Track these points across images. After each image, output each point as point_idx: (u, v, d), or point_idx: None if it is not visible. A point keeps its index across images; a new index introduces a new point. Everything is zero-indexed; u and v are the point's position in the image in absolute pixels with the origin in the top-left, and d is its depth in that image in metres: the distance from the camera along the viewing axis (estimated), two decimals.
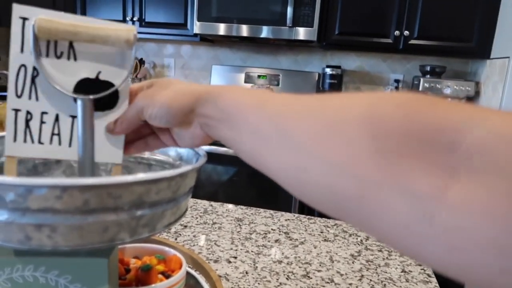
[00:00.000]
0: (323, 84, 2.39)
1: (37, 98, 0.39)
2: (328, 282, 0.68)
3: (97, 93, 0.39)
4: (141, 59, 2.82)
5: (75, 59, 0.39)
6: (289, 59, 2.72)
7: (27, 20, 0.37)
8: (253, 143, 0.30)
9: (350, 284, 0.68)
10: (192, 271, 0.54)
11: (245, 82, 2.70)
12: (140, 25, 2.59)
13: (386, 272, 0.72)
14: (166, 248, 0.52)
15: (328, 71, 2.35)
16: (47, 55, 0.38)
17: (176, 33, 2.56)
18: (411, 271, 0.73)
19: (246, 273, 0.69)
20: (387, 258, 0.78)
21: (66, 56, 0.39)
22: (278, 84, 2.66)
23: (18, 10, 0.37)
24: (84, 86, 0.40)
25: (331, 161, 0.24)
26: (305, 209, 2.20)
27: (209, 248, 0.76)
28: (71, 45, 0.39)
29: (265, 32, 2.31)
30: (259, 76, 2.69)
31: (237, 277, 0.67)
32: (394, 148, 0.21)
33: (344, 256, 0.77)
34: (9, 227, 0.30)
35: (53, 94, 0.39)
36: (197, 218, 0.90)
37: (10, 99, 0.38)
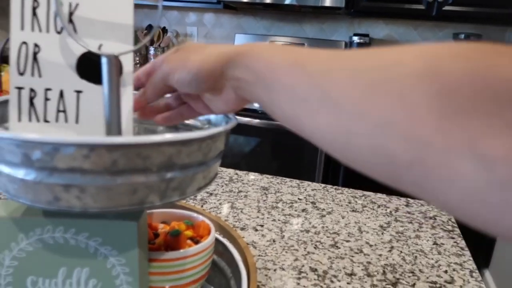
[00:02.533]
0: None
1: (40, 75, 0.37)
2: (357, 253, 0.66)
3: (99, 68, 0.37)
4: (164, 27, 2.78)
5: (75, 33, 0.37)
6: (314, 28, 2.64)
7: None
8: (290, 105, 0.28)
9: (380, 255, 0.66)
10: (221, 238, 0.53)
11: None
12: None
13: (417, 244, 0.70)
14: (195, 214, 0.51)
15: (356, 39, 2.26)
16: (47, 31, 0.36)
17: (199, 0, 2.50)
18: (443, 244, 0.71)
19: (273, 241, 0.68)
20: (417, 230, 0.76)
21: (66, 31, 0.37)
22: None
23: None
24: (86, 61, 0.38)
25: (382, 122, 0.21)
26: (329, 180, 2.18)
27: (235, 216, 0.76)
28: (70, 20, 0.37)
29: None
30: None
31: (264, 245, 0.66)
32: (461, 108, 0.19)
33: (373, 227, 0.75)
34: (37, 187, 0.29)
35: (56, 69, 0.37)
36: (222, 186, 0.89)
37: (13, 77, 0.37)
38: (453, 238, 0.73)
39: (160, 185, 0.32)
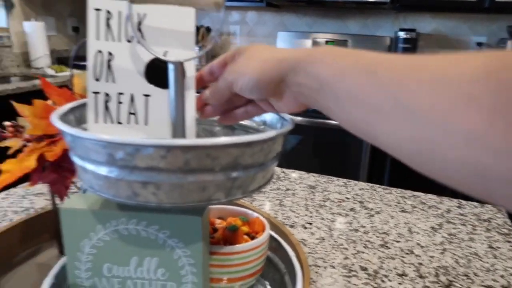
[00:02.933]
0: (395, 49, 2.26)
1: (113, 80, 0.40)
2: (407, 253, 0.66)
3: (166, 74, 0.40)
4: (208, 27, 2.84)
5: (144, 40, 0.40)
6: (358, 23, 2.59)
7: (100, 11, 0.39)
8: (361, 114, 0.27)
9: (432, 256, 0.65)
10: (274, 234, 0.55)
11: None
12: None
13: (471, 247, 0.69)
14: (249, 211, 0.53)
15: (402, 34, 2.20)
16: (119, 40, 0.40)
17: None
18: (499, 247, 0.69)
19: (323, 239, 0.69)
20: (471, 232, 0.74)
21: (135, 40, 0.40)
22: None
23: (92, 2, 0.39)
24: (153, 67, 0.42)
25: (472, 135, 0.20)
26: (374, 179, 2.15)
27: (284, 214, 0.77)
28: (139, 29, 0.40)
29: None
30: (326, 42, 2.60)
31: (313, 243, 0.68)
32: None
33: (424, 228, 0.74)
34: (118, 184, 0.33)
35: (127, 75, 0.41)
36: (270, 184, 0.91)
37: (90, 83, 0.40)
38: (509, 241, 0.71)
39: (226, 184, 0.34)
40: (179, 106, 0.42)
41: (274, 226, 0.60)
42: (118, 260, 0.41)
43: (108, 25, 0.40)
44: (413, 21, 2.46)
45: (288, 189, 0.89)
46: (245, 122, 0.50)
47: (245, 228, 0.50)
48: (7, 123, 0.51)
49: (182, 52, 0.42)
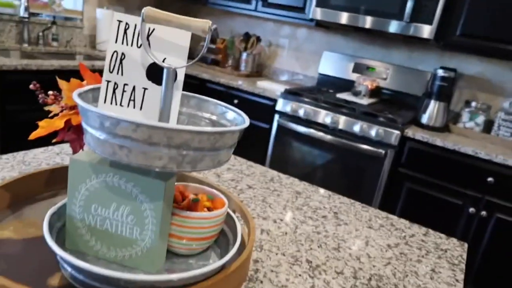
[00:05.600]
0: (431, 86, 2.29)
1: (122, 74, 0.55)
2: (354, 259, 0.76)
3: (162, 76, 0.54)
4: (258, 37, 3.01)
5: (149, 48, 0.55)
6: (402, 54, 2.65)
7: (121, 22, 0.54)
8: None
9: (374, 266, 0.75)
10: (233, 215, 0.67)
11: (353, 71, 2.72)
12: (263, 5, 2.76)
13: (414, 267, 0.77)
14: (216, 192, 0.67)
15: (440, 72, 2.24)
16: (132, 45, 0.55)
17: (293, 16, 2.67)
18: (440, 272, 0.77)
19: (286, 233, 0.81)
20: (422, 256, 0.82)
21: (143, 47, 0.55)
22: (385, 79, 2.62)
23: (117, 15, 0.54)
24: (153, 68, 0.56)
25: None
26: (386, 208, 2.19)
27: (263, 208, 0.90)
28: (147, 39, 0.55)
29: (381, 25, 2.28)
30: (367, 68, 2.68)
31: (276, 234, 0.79)
32: None
33: (380, 244, 0.84)
34: (105, 144, 0.47)
35: (133, 71, 0.55)
36: (262, 183, 1.04)
37: (105, 73, 0.56)
38: (453, 270, 0.79)
39: (178, 158, 0.47)
40: (168, 100, 0.56)
41: (242, 212, 0.72)
42: (102, 203, 0.55)
43: (125, 33, 0.55)
44: (459, 61, 2.48)
45: (275, 190, 1.01)
46: (214, 117, 0.64)
47: (207, 203, 0.63)
48: (50, 92, 0.68)
49: (177, 61, 0.56)
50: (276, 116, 2.44)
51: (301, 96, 2.39)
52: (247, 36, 3.03)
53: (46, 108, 0.69)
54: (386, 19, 2.26)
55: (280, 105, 2.42)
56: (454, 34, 2.18)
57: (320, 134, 2.29)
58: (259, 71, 3.17)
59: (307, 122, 2.34)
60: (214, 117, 0.64)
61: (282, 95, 2.42)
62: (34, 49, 2.63)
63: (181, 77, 0.56)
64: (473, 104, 2.33)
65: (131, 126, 0.45)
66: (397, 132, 2.09)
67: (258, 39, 3.01)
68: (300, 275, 0.67)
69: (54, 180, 0.77)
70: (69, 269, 0.53)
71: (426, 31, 2.17)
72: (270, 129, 2.51)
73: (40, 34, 2.68)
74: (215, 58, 3.11)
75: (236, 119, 0.61)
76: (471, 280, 2.08)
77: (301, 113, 2.34)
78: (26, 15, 2.55)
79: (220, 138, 0.49)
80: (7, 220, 0.66)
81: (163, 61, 0.56)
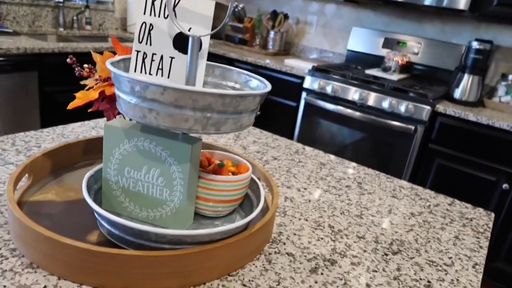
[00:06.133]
0: (465, 60, 2.21)
1: (150, 44, 0.58)
2: (375, 225, 0.77)
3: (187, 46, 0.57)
4: (286, 14, 2.98)
5: (175, 18, 0.57)
6: (435, 28, 2.56)
7: None
8: None
9: (396, 232, 0.76)
10: (258, 181, 0.70)
11: (383, 47, 2.66)
12: None
13: (437, 234, 0.78)
14: (241, 159, 0.70)
15: (475, 45, 2.15)
16: (159, 16, 0.57)
17: None
18: (463, 239, 0.77)
19: (309, 201, 0.83)
20: (446, 224, 0.83)
21: (170, 17, 0.57)
22: (417, 53, 2.55)
23: None
24: (179, 38, 0.58)
25: None
26: (417, 179, 2.17)
27: (287, 178, 0.92)
28: (174, 10, 0.57)
29: None
30: (398, 43, 2.61)
31: (299, 201, 0.82)
32: None
33: (403, 212, 0.85)
34: (135, 108, 0.51)
35: (160, 41, 0.58)
36: (287, 155, 1.06)
37: (135, 44, 0.58)
38: (477, 238, 0.79)
39: (202, 120, 0.50)
40: (193, 68, 0.59)
41: (266, 179, 0.75)
42: (134, 166, 0.59)
43: (153, 5, 0.58)
44: (496, 32, 2.37)
45: (300, 161, 1.03)
46: (237, 86, 0.66)
47: (232, 168, 0.66)
48: (85, 65, 0.72)
49: (201, 30, 0.59)
50: (304, 94, 2.44)
51: (329, 73, 2.37)
52: (274, 14, 3.01)
53: (82, 82, 0.73)
54: None
55: (308, 83, 2.41)
56: (490, 4, 2.09)
57: (348, 111, 2.27)
58: (286, 49, 3.15)
59: (335, 99, 2.33)
60: (237, 86, 0.66)
61: (309, 73, 2.41)
62: (69, 32, 2.73)
63: (205, 46, 0.59)
64: (510, 77, 2.24)
65: (158, 89, 0.48)
66: (427, 107, 2.04)
67: (286, 17, 2.98)
68: (322, 238, 0.70)
69: (91, 150, 0.83)
70: (106, 225, 0.57)
71: (461, 1, 2.08)
72: (297, 107, 2.51)
73: (75, 18, 2.77)
74: (243, 37, 3.11)
75: (259, 87, 0.63)
76: (503, 256, 2.04)
77: (329, 90, 2.32)
78: (61, 0, 2.64)
79: (242, 101, 0.52)
80: (49, 185, 0.72)
81: (189, 31, 0.58)
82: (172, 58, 0.60)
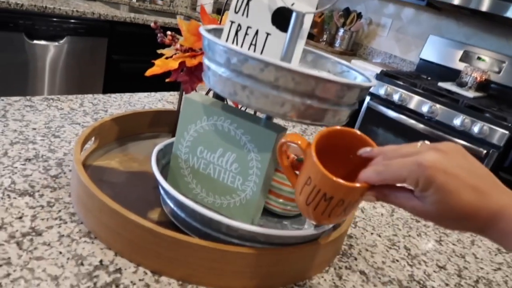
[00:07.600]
0: None
1: (247, 16, 0.52)
2: (458, 256, 0.68)
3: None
4: (360, 13, 2.85)
5: None
6: None
7: None
8: None
9: (481, 268, 0.66)
10: None
11: (460, 60, 2.47)
12: None
13: None
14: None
15: None
16: None
17: None
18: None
19: (382, 215, 0.74)
20: None
21: None
22: (498, 72, 2.34)
23: None
24: (279, 13, 0.51)
25: None
26: None
27: None
28: None
29: (501, 8, 2.02)
30: (478, 58, 2.41)
31: (371, 213, 0.74)
32: None
33: (488, 246, 0.74)
34: (227, 82, 0.45)
35: (258, 14, 0.52)
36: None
37: (230, 14, 0.52)
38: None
39: (300, 107, 0.44)
40: (291, 48, 0.52)
41: None
42: (209, 147, 0.54)
43: None
44: None
45: None
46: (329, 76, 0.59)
47: None
48: (169, 32, 0.68)
49: (306, 7, 0.52)
50: (368, 98, 2.32)
51: (398, 79, 2.23)
52: (347, 12, 2.88)
53: (159, 51, 0.69)
54: (509, 2, 1.99)
55: (374, 87, 2.28)
56: None
57: (411, 121, 2.12)
58: (353, 49, 3.02)
59: (400, 108, 2.19)
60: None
61: (377, 76, 2.28)
62: (141, 5, 2.76)
63: (307, 25, 0.52)
64: None
65: (259, 65, 0.42)
66: (505, 131, 1.86)
67: (359, 16, 2.85)
68: (397, 260, 0.62)
69: (157, 122, 0.79)
70: (171, 204, 0.52)
71: None
72: (358, 110, 2.39)
73: None
74: (310, 31, 3.01)
75: (357, 80, 0.56)
76: None
77: (395, 97, 2.18)
78: None
79: (347, 92, 0.45)
80: (113, 152, 0.69)
81: (292, 6, 0.52)
82: (268, 34, 0.53)
